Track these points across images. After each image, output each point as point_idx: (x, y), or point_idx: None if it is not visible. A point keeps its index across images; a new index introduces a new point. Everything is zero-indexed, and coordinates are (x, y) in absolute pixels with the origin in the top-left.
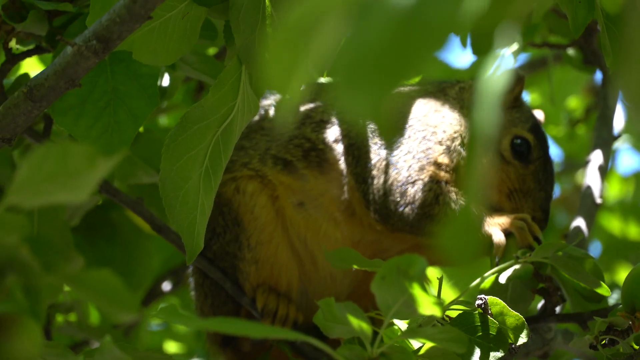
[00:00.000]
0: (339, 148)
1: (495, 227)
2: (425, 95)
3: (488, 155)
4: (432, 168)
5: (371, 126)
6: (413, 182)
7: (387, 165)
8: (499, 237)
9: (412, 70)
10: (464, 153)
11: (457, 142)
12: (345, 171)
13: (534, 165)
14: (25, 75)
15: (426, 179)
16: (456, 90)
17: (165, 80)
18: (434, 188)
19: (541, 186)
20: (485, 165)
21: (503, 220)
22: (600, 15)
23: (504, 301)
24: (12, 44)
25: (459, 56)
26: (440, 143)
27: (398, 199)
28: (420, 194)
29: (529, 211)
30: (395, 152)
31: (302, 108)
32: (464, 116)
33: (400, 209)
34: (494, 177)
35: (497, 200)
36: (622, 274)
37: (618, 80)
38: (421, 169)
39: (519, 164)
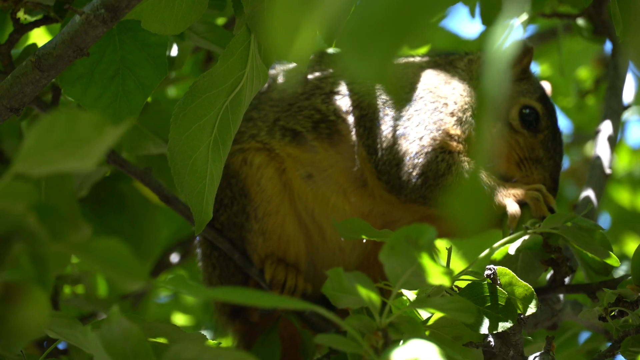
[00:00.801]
0: (350, 119)
1: (510, 198)
2: (435, 67)
3: (497, 125)
4: (444, 138)
5: (382, 97)
6: (425, 153)
7: (399, 136)
8: (514, 208)
9: (415, 34)
10: (474, 124)
11: (468, 113)
12: (356, 143)
13: (542, 134)
14: (33, 45)
15: (438, 150)
16: (465, 62)
17: (174, 50)
18: (447, 158)
19: (550, 155)
20: (495, 134)
21: (518, 191)
22: None
23: (513, 272)
24: (20, 14)
25: (468, 26)
26: (451, 114)
27: (410, 170)
28: (433, 164)
29: (539, 179)
30: (407, 123)
31: (312, 78)
32: (473, 87)
33: (413, 180)
34: (504, 146)
35: (507, 168)
36: (631, 246)
37: (628, 49)
38: (433, 139)
39: (528, 132)
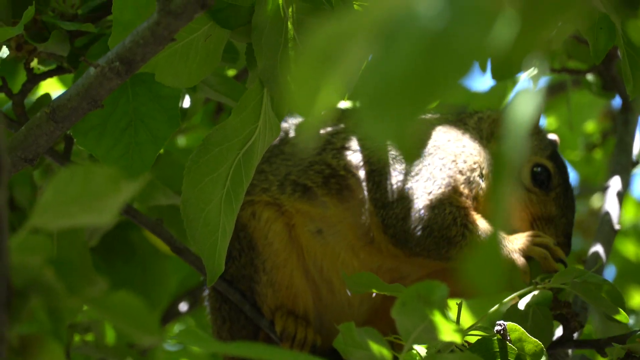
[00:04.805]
0: (360, 174)
1: (517, 254)
2: (446, 124)
3: (509, 184)
4: (452, 194)
5: (392, 152)
6: (432, 207)
7: (407, 191)
8: (523, 264)
9: (437, 96)
10: (482, 184)
11: (477, 172)
12: (365, 197)
13: (554, 192)
14: (47, 95)
15: (446, 203)
16: (475, 120)
17: (186, 102)
18: (453, 211)
19: (563, 212)
20: (507, 193)
21: (522, 244)
22: (621, 41)
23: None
24: (34, 63)
25: (478, 80)
26: (461, 172)
27: (416, 223)
28: (439, 217)
29: (552, 237)
30: (415, 178)
31: (324, 133)
32: (483, 147)
33: (418, 233)
34: (516, 205)
35: (519, 227)
36: (637, 299)
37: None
38: (441, 194)
39: (540, 191)
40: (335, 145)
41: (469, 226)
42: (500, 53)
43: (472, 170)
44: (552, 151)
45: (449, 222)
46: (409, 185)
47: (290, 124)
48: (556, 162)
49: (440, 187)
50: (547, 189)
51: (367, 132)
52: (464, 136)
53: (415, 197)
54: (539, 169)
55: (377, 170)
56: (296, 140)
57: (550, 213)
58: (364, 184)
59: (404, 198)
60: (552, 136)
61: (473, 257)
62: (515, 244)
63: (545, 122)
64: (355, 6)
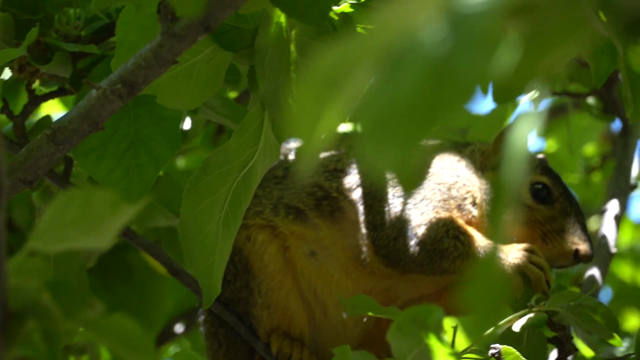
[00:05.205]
0: (353, 196)
1: (512, 268)
2: (442, 151)
3: (512, 209)
4: (444, 214)
5: (385, 175)
6: (425, 224)
7: (400, 212)
8: (516, 280)
9: (440, 121)
10: (474, 212)
11: (469, 201)
12: (358, 220)
13: (559, 204)
14: (48, 117)
15: (441, 221)
16: (469, 150)
17: (187, 124)
18: (447, 224)
19: (573, 219)
20: (511, 219)
21: (519, 259)
22: (622, 65)
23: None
24: (35, 85)
25: (479, 102)
26: (453, 199)
27: (409, 241)
28: (432, 232)
29: (571, 246)
30: (409, 201)
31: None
32: (477, 177)
33: (411, 249)
34: (525, 228)
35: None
36: (632, 322)
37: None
38: (435, 213)
39: (545, 207)
40: (328, 167)
41: (460, 238)
42: (502, 77)
43: (464, 198)
44: (544, 167)
45: (441, 234)
46: (402, 207)
47: (283, 148)
48: (550, 175)
49: (434, 209)
50: (551, 202)
51: (369, 158)
52: (459, 164)
53: (408, 217)
54: (539, 186)
55: (370, 193)
56: (292, 164)
57: (560, 224)
58: (356, 206)
59: (397, 219)
60: (539, 155)
61: (469, 270)
62: (511, 257)
63: (545, 144)
64: (358, 29)
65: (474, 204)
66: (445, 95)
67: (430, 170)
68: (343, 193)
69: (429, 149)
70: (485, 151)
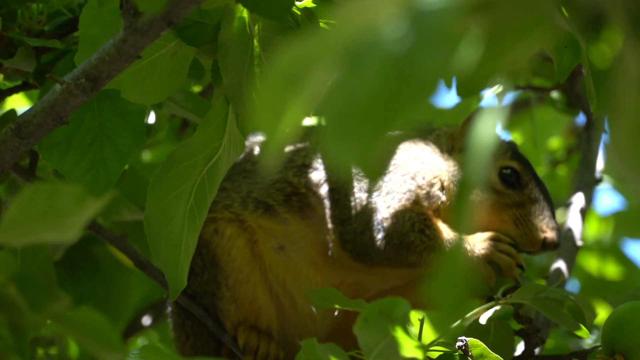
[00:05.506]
0: (320, 192)
1: (481, 259)
2: (406, 141)
3: (479, 194)
4: (412, 205)
5: (351, 170)
6: (391, 217)
7: (366, 206)
8: (486, 270)
9: (402, 116)
10: (443, 197)
11: (436, 187)
12: (326, 215)
13: (528, 189)
14: (12, 111)
15: (405, 212)
16: (434, 136)
17: (151, 118)
18: (412, 217)
19: (542, 205)
20: (479, 204)
21: (485, 249)
22: (585, 60)
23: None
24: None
25: (443, 96)
26: (420, 188)
27: (375, 234)
28: (398, 226)
29: (539, 234)
30: (375, 194)
31: (285, 151)
32: (444, 160)
33: (378, 243)
34: (493, 212)
35: (504, 230)
36: (599, 314)
37: (608, 130)
38: (401, 207)
39: (514, 192)
40: (296, 162)
41: (426, 232)
42: (465, 73)
43: (432, 185)
44: (514, 152)
45: (407, 228)
46: (368, 201)
47: (251, 142)
48: (520, 160)
49: (400, 201)
50: (520, 188)
51: (331, 152)
52: (423, 152)
53: (374, 211)
54: (507, 171)
55: (337, 189)
56: (259, 158)
57: (529, 209)
58: (324, 201)
59: (363, 213)
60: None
61: (436, 263)
62: (478, 248)
63: (509, 137)
64: (321, 24)
65: (442, 188)
66: (407, 90)
67: (395, 162)
68: (311, 189)
69: (394, 140)
70: (453, 134)
